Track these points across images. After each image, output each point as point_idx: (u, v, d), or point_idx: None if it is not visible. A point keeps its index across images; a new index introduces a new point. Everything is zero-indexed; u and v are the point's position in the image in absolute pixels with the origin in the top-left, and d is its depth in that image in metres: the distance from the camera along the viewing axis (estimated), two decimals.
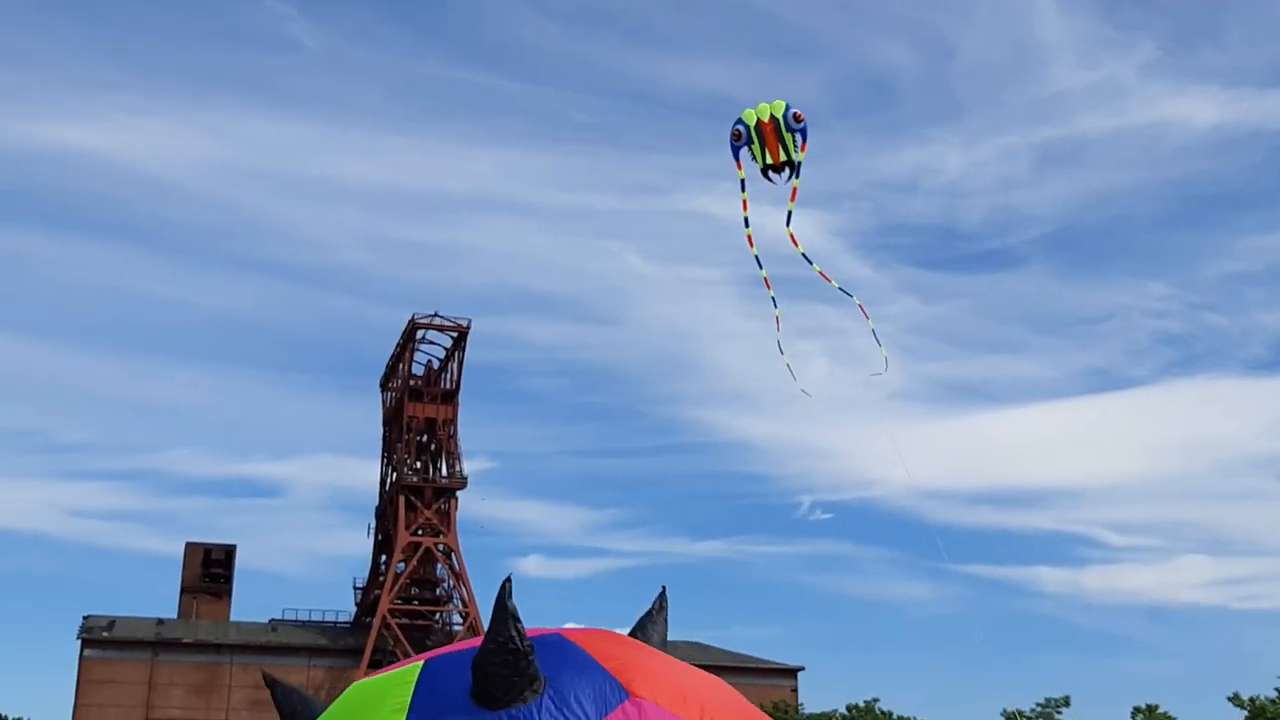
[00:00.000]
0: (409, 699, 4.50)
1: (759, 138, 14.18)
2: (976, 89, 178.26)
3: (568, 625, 5.26)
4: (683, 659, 5.25)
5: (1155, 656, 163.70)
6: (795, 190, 14.65)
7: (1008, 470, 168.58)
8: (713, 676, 5.14)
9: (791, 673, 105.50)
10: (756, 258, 15.09)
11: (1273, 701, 76.35)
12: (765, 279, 15.30)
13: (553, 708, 4.31)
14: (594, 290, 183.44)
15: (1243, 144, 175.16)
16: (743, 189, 14.60)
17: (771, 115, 14.13)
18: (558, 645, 4.70)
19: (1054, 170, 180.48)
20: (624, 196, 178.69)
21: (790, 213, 14.88)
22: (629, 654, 4.79)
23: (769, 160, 14.26)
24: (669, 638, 5.55)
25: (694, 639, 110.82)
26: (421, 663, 4.76)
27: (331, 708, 4.79)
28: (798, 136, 14.21)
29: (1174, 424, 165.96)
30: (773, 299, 15.47)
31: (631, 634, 5.37)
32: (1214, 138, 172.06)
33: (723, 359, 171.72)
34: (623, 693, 4.45)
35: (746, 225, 14.94)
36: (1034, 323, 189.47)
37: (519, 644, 4.26)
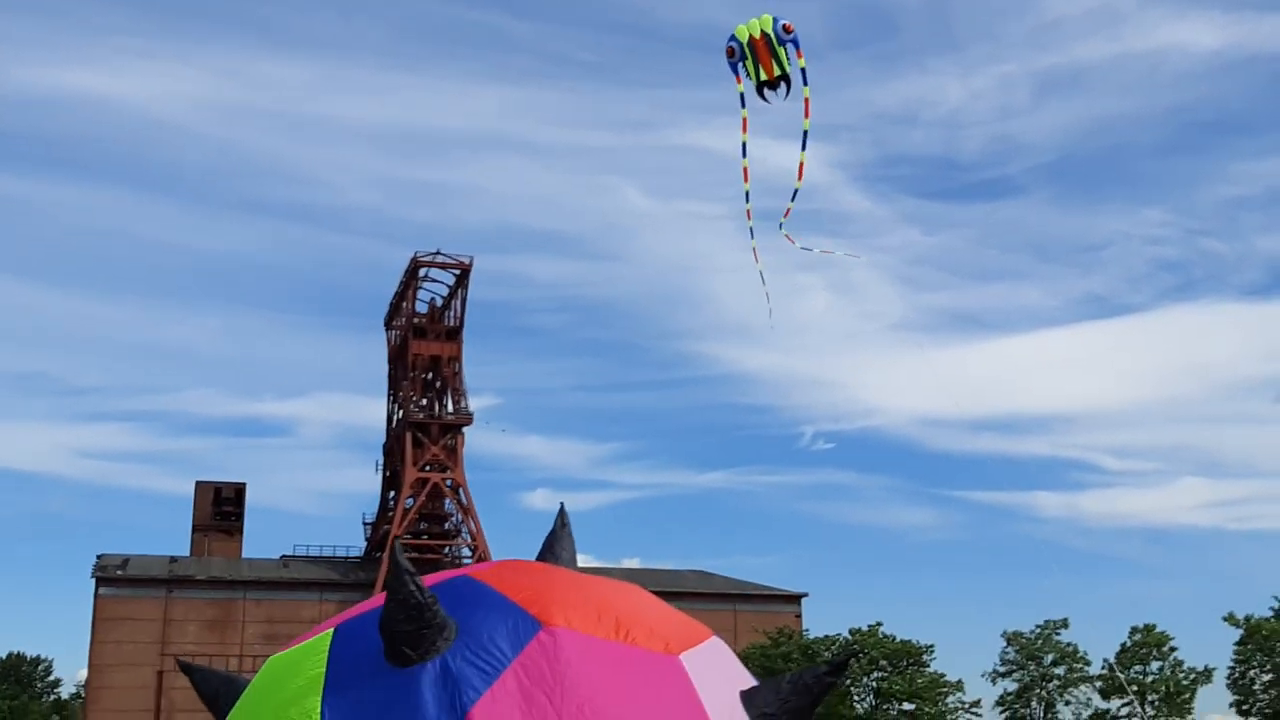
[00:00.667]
0: (324, 669, 4.42)
1: (752, 54, 13.83)
2: (975, 18, 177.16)
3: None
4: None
5: (1153, 578, 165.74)
6: (808, 103, 14.23)
7: (1008, 397, 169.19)
8: (628, 585, 5.03)
9: (795, 599, 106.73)
10: (747, 193, 14.88)
11: (1268, 620, 77.56)
12: (748, 211, 15.07)
13: (468, 652, 4.23)
14: (595, 226, 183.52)
15: (1242, 68, 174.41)
16: (742, 104, 14.25)
17: (762, 31, 13.80)
18: (465, 587, 4.60)
19: (1052, 99, 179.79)
20: (623, 133, 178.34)
21: (806, 134, 14.50)
22: (538, 582, 4.65)
23: (763, 76, 13.89)
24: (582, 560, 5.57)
25: (699, 567, 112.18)
26: (332, 630, 4.66)
27: (250, 686, 4.74)
28: (790, 48, 13.85)
29: (1172, 349, 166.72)
30: (750, 229, 15.28)
31: (540, 557, 5.26)
32: (1213, 63, 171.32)
33: (723, 292, 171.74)
34: (535, 624, 4.34)
35: (744, 148, 14.59)
36: (1034, 251, 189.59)
37: (419, 597, 4.18)
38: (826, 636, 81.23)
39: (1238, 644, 78.18)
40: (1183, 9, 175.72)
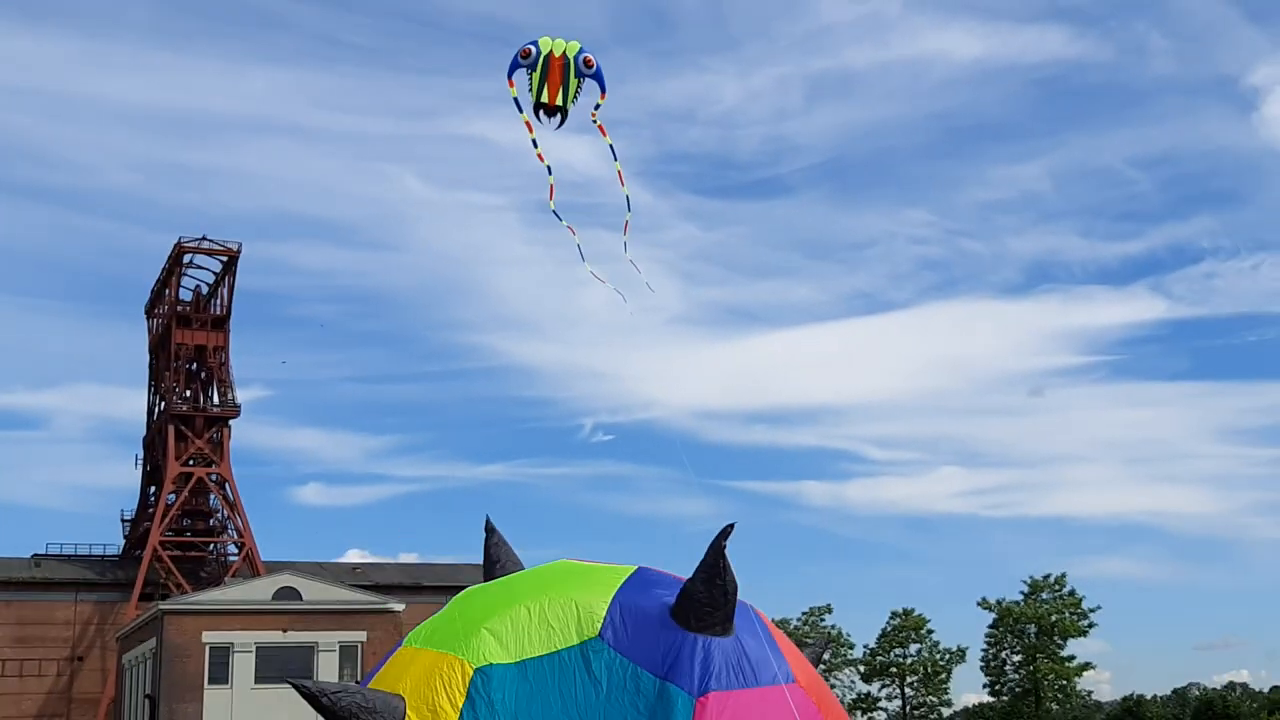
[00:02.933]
0: (618, 586, 5.03)
1: (544, 70, 13.60)
2: (751, 20, 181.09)
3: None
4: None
5: (913, 563, 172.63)
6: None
7: (779, 390, 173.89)
8: (830, 693, 6.11)
9: None
10: (548, 167, 14.23)
11: (1018, 604, 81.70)
12: (551, 186, 14.30)
13: (732, 655, 4.76)
14: (372, 215, 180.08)
15: (1000, 77, 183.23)
16: (519, 109, 13.90)
17: (564, 54, 13.60)
18: (751, 615, 5.31)
19: (824, 101, 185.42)
20: (402, 120, 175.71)
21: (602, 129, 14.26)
22: (790, 645, 5.65)
23: (544, 99, 13.69)
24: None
25: (477, 561, 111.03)
26: (636, 567, 5.41)
27: (541, 568, 5.46)
28: (584, 83, 13.74)
29: (933, 344, 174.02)
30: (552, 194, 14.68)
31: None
32: (974, 71, 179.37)
33: (504, 284, 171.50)
34: (789, 675, 5.10)
35: (535, 145, 13.96)
36: (805, 248, 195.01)
37: (728, 588, 4.75)
38: None
39: (990, 627, 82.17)
40: (945, 19, 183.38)
